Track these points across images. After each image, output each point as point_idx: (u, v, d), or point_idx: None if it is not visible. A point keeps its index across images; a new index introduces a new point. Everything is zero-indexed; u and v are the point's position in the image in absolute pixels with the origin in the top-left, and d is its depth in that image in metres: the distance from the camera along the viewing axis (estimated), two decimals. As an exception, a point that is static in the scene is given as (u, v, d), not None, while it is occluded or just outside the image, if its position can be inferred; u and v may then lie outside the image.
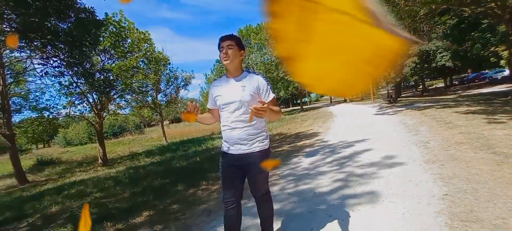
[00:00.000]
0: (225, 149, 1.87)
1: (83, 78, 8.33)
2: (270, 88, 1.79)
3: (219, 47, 1.76)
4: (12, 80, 12.13)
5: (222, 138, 1.89)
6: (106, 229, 3.18)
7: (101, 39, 10.50)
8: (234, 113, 1.76)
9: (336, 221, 2.33)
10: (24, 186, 10.05)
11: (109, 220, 3.42)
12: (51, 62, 5.65)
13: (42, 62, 5.98)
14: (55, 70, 5.76)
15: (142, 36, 14.14)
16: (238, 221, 1.90)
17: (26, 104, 15.29)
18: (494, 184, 2.51)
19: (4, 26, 5.77)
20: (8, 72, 11.56)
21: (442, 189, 2.58)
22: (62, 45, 4.75)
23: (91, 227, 3.09)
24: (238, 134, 1.76)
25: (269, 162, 1.75)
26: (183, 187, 4.48)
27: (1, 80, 10.20)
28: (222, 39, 1.75)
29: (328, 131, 8.94)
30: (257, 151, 1.77)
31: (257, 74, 1.82)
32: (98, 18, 6.53)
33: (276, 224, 2.45)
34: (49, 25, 4.70)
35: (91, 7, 5.33)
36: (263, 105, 1.47)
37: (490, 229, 1.79)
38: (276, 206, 2.93)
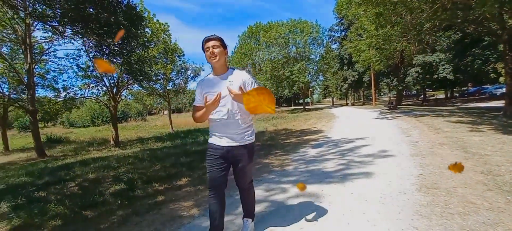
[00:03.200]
0: (214, 141, 1.96)
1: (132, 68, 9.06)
2: (255, 82, 1.90)
3: (204, 48, 1.85)
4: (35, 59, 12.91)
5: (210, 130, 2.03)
6: (156, 187, 3.99)
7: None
8: (225, 107, 1.85)
9: (340, 187, 3.19)
10: (45, 159, 10.74)
11: (155, 182, 4.24)
12: (104, 49, 6.50)
13: (96, 50, 6.83)
14: (108, 57, 6.61)
15: (162, 27, 14.95)
16: (222, 207, 1.99)
17: (42, 83, 16.02)
18: (458, 170, 3.38)
19: (49, 11, 6.55)
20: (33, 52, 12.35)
21: (419, 171, 3.49)
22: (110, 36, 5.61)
23: (139, 187, 4.05)
24: (229, 128, 1.88)
25: None
26: (210, 163, 5.28)
27: (29, 58, 11.06)
28: (207, 40, 1.84)
29: (331, 129, 9.81)
30: (247, 144, 1.93)
31: (241, 70, 1.95)
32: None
33: (295, 189, 3.27)
34: (102, 17, 5.53)
35: (134, 4, 6.18)
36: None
37: (443, 192, 2.66)
38: (292, 178, 3.78)
